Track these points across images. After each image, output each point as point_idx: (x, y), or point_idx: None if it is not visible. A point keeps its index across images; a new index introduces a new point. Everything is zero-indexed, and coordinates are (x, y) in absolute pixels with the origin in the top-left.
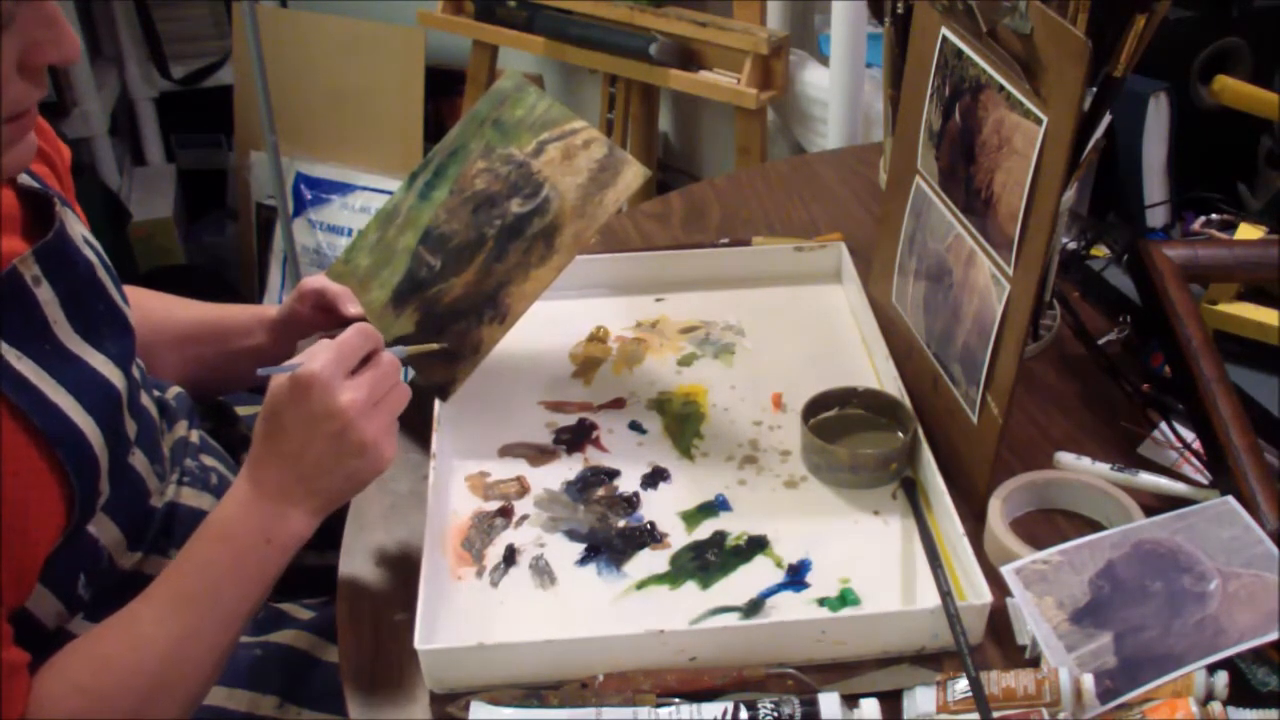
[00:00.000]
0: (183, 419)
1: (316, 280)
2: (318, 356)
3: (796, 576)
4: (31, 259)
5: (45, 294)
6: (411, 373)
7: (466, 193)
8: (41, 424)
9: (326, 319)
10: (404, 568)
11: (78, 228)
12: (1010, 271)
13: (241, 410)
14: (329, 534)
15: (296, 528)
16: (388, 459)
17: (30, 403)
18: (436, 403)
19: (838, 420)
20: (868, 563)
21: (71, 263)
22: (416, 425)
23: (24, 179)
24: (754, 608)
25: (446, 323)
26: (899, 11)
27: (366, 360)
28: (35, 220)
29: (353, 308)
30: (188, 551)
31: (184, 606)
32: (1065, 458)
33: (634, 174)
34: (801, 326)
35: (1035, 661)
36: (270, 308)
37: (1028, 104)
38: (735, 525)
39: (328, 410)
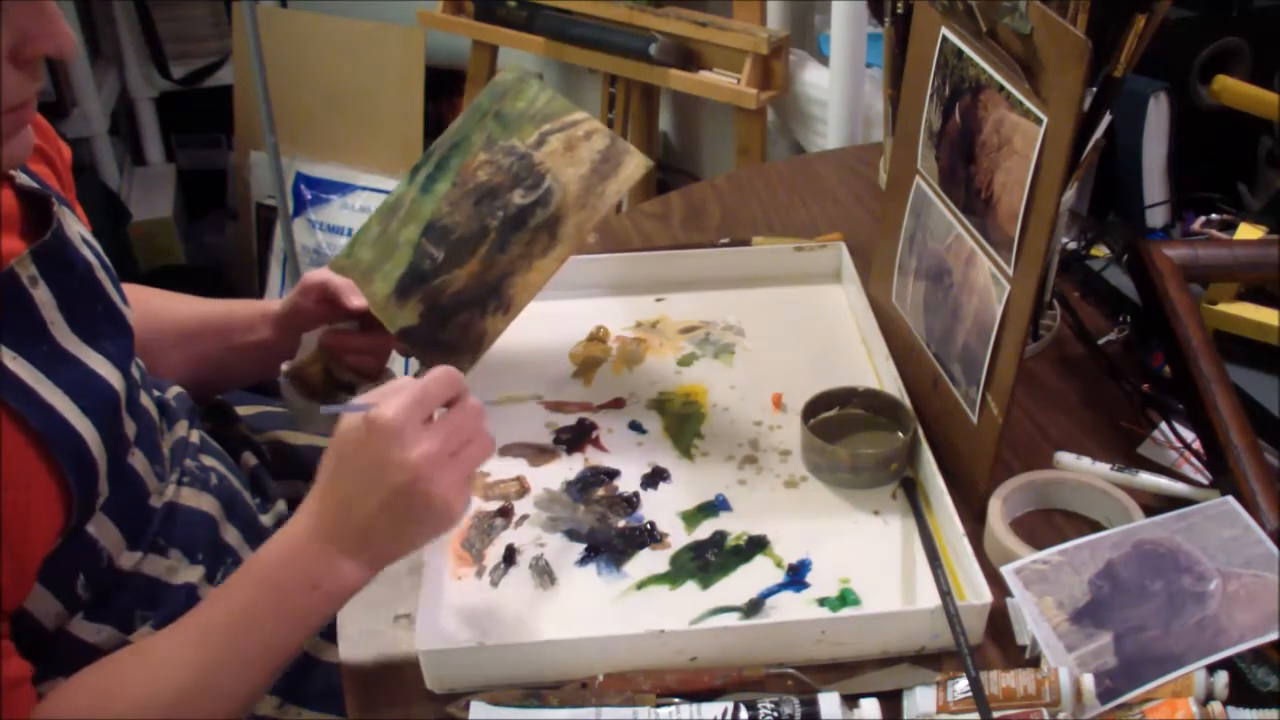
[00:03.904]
0: (183, 419)
1: (320, 274)
2: (392, 400)
3: (796, 576)
4: (29, 259)
5: (42, 294)
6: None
7: (468, 185)
8: (38, 425)
9: (330, 312)
10: (404, 568)
11: (76, 228)
12: (1010, 271)
13: (242, 410)
14: None
15: (347, 578)
16: (456, 516)
17: (27, 404)
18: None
19: (838, 420)
20: (868, 563)
21: (69, 263)
22: None
23: (23, 179)
24: (754, 608)
25: (450, 314)
26: (899, 11)
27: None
28: (34, 220)
29: (356, 300)
30: (229, 586)
31: (212, 642)
32: (1065, 458)
33: (636, 165)
34: (801, 326)
35: (1035, 661)
36: (273, 302)
37: (1028, 104)
38: (735, 525)
39: (397, 461)
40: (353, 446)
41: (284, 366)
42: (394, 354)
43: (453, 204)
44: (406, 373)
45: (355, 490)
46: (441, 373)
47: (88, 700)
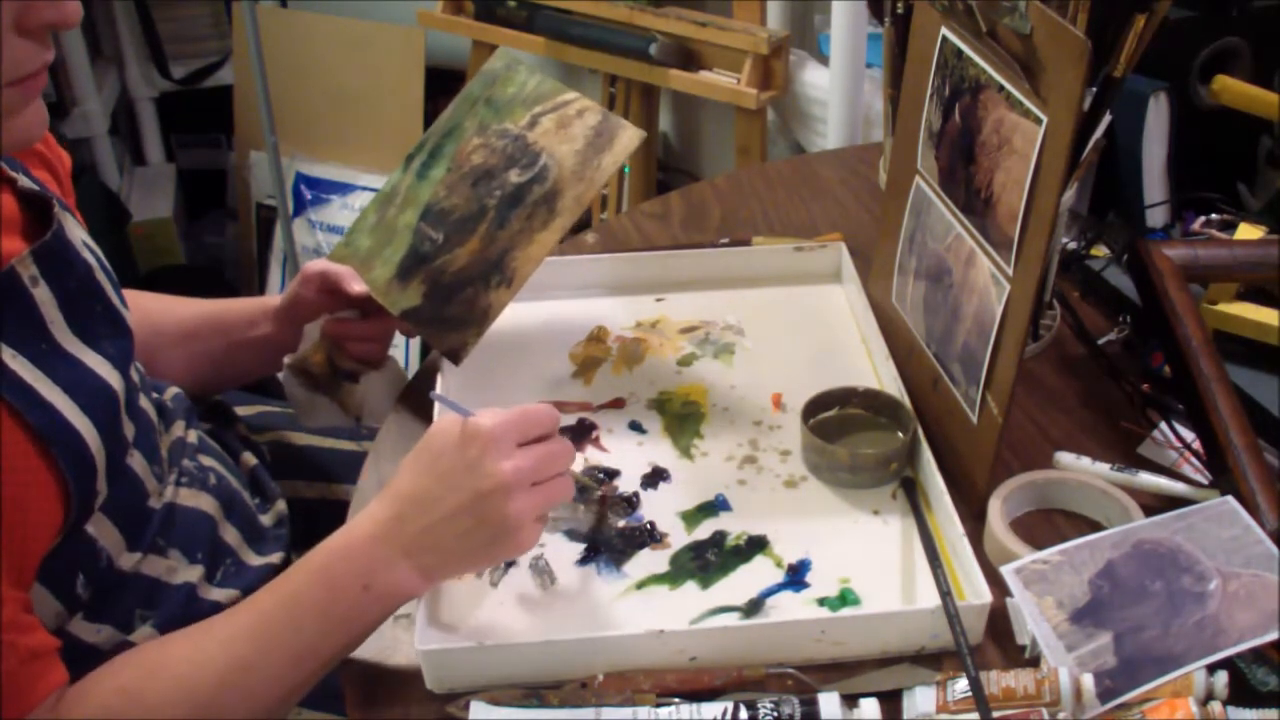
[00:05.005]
0: (180, 419)
1: (319, 264)
2: (494, 412)
3: (796, 576)
4: (29, 259)
5: (43, 294)
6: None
7: (464, 168)
8: (36, 423)
9: (332, 301)
10: None
11: (77, 231)
12: (1010, 271)
13: (241, 410)
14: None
15: (401, 581)
16: (522, 545)
17: (25, 402)
18: (436, 406)
19: (838, 420)
20: (868, 563)
21: (70, 264)
22: (418, 423)
23: (24, 182)
24: (754, 608)
25: (454, 291)
26: (899, 11)
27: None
28: (35, 222)
29: (357, 286)
30: (285, 576)
31: (258, 633)
32: (1065, 458)
33: (630, 137)
34: (801, 326)
35: (1035, 661)
36: (273, 298)
37: (1028, 104)
38: (735, 525)
39: (487, 468)
40: (445, 445)
41: (286, 359)
42: (396, 337)
43: (449, 188)
44: (408, 356)
45: (436, 489)
46: (544, 407)
47: (134, 674)
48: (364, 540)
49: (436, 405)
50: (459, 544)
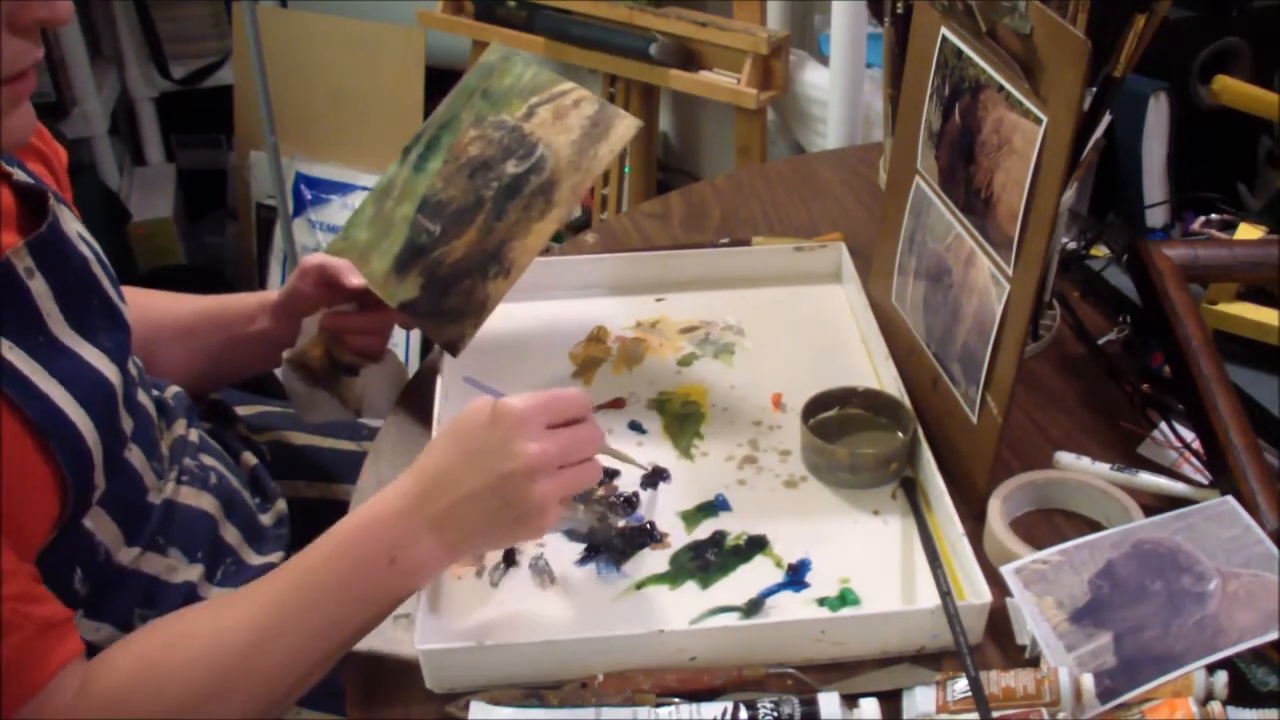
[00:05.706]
0: (181, 418)
1: (317, 257)
2: (524, 395)
3: (796, 576)
4: (25, 251)
5: (39, 286)
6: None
7: (461, 160)
8: (33, 415)
9: (330, 294)
10: None
11: (73, 224)
12: (1010, 271)
13: (242, 410)
14: None
15: (425, 555)
16: (543, 527)
17: (21, 393)
18: (437, 404)
19: (838, 420)
20: (867, 563)
21: (65, 256)
22: (418, 423)
23: (20, 175)
24: (754, 608)
25: (451, 283)
26: (899, 11)
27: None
28: (30, 215)
29: (355, 279)
30: (307, 552)
31: (282, 606)
32: (1065, 457)
33: (626, 126)
34: (801, 326)
35: (1035, 661)
36: (271, 292)
37: (1027, 104)
38: (735, 525)
39: (513, 449)
40: (474, 425)
41: (285, 354)
42: (396, 331)
43: (446, 180)
44: (408, 351)
45: (461, 466)
46: (575, 391)
47: (154, 648)
48: (390, 514)
49: (466, 389)
50: (484, 522)
